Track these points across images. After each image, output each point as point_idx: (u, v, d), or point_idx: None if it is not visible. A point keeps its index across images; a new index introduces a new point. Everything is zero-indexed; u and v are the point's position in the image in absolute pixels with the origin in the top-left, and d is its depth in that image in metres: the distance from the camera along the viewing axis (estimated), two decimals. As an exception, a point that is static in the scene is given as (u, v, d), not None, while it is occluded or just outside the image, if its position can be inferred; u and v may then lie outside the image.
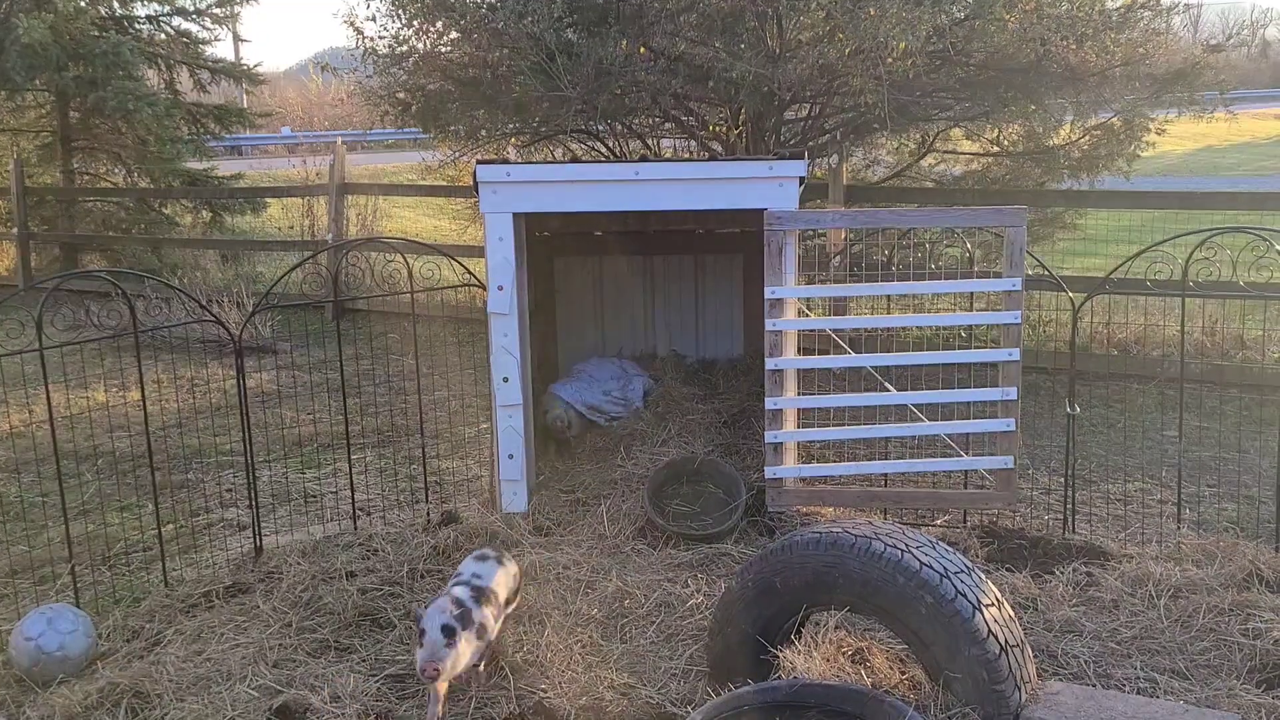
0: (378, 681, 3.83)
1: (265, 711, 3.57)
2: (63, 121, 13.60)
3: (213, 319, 5.17)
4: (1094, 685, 3.60)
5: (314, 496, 5.98)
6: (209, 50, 14.30)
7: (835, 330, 5.62)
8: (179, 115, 13.47)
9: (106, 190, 14.10)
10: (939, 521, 5.29)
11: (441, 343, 7.56)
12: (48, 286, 5.20)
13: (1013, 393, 4.90)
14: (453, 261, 5.97)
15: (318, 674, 3.88)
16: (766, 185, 5.15)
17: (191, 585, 4.72)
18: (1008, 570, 4.59)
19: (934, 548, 3.42)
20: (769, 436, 5.11)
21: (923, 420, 5.17)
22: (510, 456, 5.41)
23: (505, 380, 5.39)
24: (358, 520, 5.38)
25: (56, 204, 13.58)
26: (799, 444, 5.47)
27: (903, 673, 3.57)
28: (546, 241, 7.40)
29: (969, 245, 5.83)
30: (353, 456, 5.58)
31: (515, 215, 5.34)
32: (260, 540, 5.07)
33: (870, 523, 3.62)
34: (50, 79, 12.52)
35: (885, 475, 5.47)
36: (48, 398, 4.50)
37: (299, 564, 4.79)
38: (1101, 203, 8.62)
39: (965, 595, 3.26)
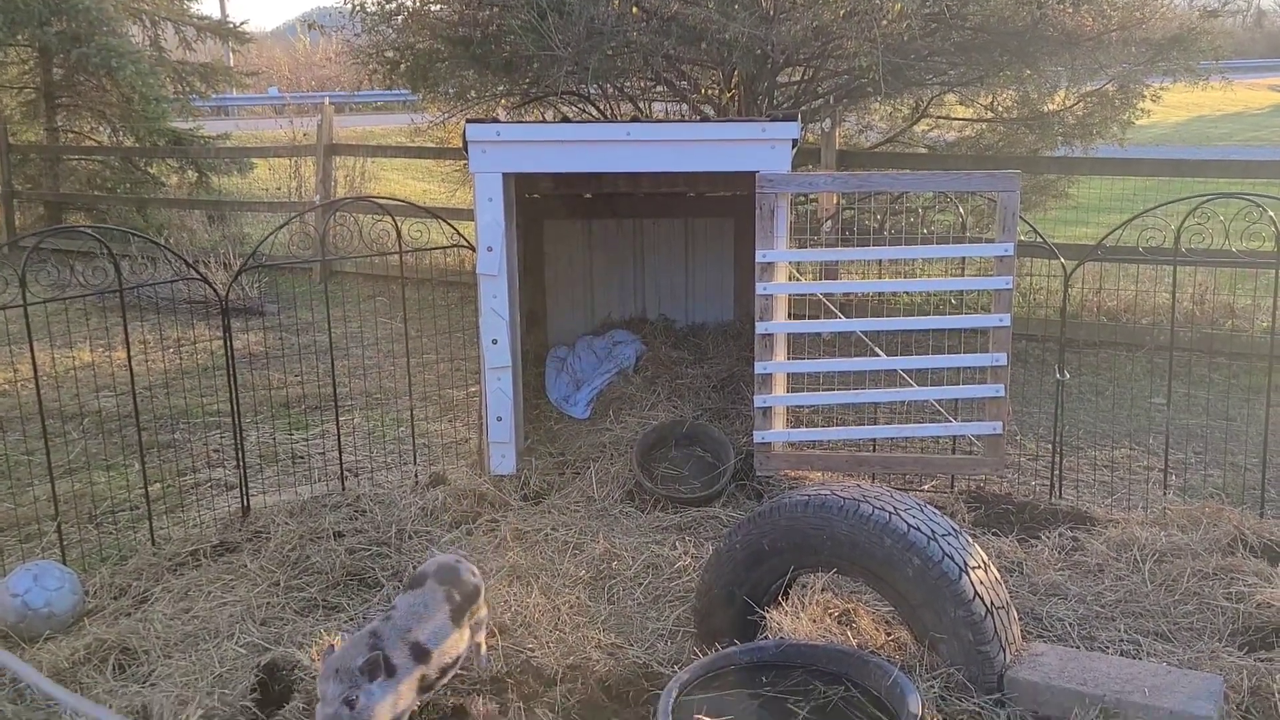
0: (365, 640, 3.83)
1: (253, 669, 3.58)
2: (46, 78, 13.40)
3: (199, 278, 5.12)
4: (1078, 647, 3.63)
5: (301, 458, 5.96)
6: (194, 7, 14.16)
7: (826, 295, 5.60)
8: (164, 73, 13.28)
9: (91, 149, 13.93)
10: (926, 487, 5.31)
11: (430, 306, 7.52)
12: (31, 243, 5.15)
13: (1002, 358, 4.90)
14: (442, 223, 5.92)
15: (305, 632, 3.88)
16: (759, 147, 5.11)
17: (179, 544, 4.71)
18: (994, 535, 4.61)
19: (922, 511, 3.43)
20: (758, 401, 5.10)
21: (912, 386, 5.17)
22: (499, 419, 5.40)
23: (494, 342, 5.36)
24: (345, 481, 5.37)
25: (40, 162, 13.42)
26: (788, 409, 5.47)
27: (889, 634, 3.59)
28: (536, 204, 7.35)
29: (961, 210, 5.80)
30: (340, 418, 5.55)
31: (505, 176, 5.29)
32: (248, 500, 5.06)
33: (859, 485, 3.63)
34: (33, 34, 12.30)
35: (873, 440, 5.48)
36: (32, 354, 4.46)
37: (287, 524, 4.78)
38: (1094, 170, 8.60)
39: (952, 557, 3.27)
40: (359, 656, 3.03)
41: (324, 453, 5.94)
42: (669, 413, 6.06)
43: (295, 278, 10.51)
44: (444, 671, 3.29)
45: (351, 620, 4.01)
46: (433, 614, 3.29)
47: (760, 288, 4.99)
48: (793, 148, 5.17)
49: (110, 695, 3.44)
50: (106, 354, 7.65)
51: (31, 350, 4.45)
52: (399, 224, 5.54)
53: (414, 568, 4.40)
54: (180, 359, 7.79)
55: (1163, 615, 3.87)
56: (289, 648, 3.74)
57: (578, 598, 4.18)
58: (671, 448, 5.61)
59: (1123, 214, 5.15)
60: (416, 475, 5.45)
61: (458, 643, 3.35)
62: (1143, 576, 4.12)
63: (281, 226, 5.81)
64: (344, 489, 5.28)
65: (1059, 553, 4.41)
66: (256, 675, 3.51)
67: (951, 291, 6.77)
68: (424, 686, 3.21)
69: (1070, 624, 3.84)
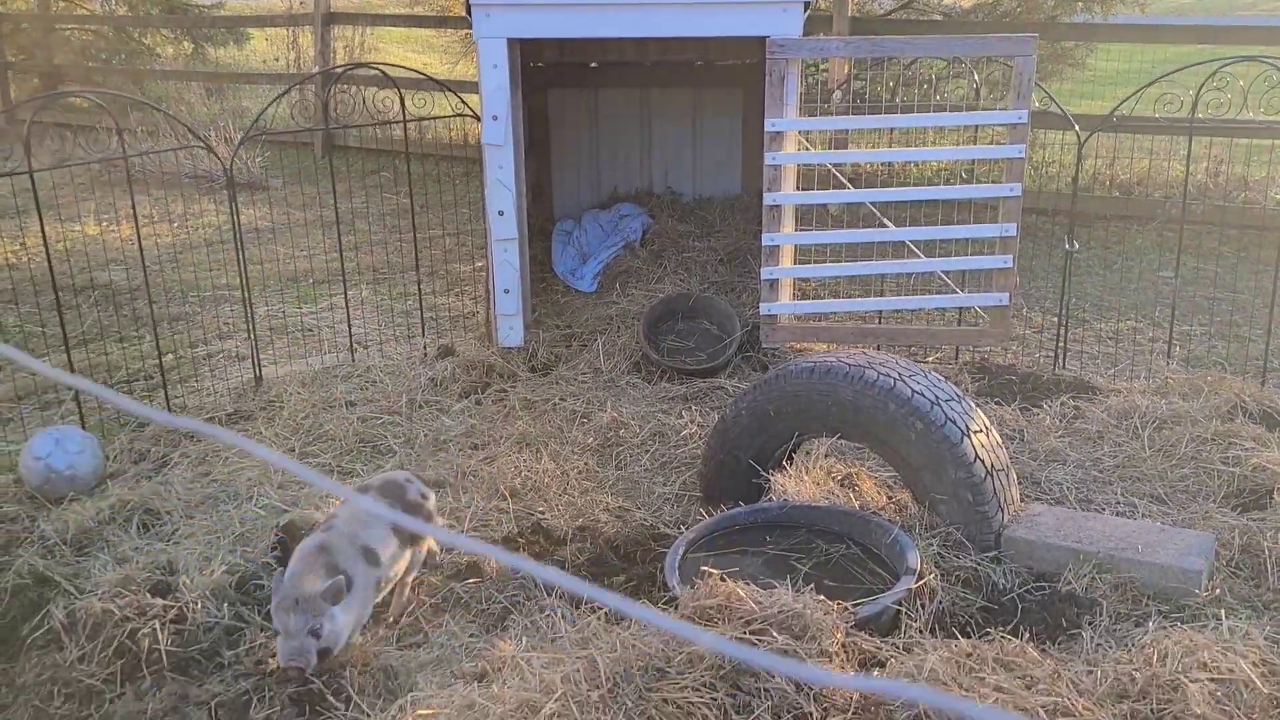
0: (380, 503, 3.93)
1: (273, 529, 3.69)
2: (33, -58, 12.98)
3: (202, 144, 5.07)
4: (1075, 509, 3.72)
5: (310, 330, 6.01)
6: None
7: (835, 166, 5.53)
8: (154, -63, 12.82)
9: (83, 17, 13.56)
10: (931, 359, 5.35)
11: (434, 180, 7.45)
12: (29, 112, 5.07)
13: (1011, 229, 4.87)
14: (446, 93, 5.80)
15: (322, 495, 3.98)
16: (770, 10, 4.97)
17: (194, 412, 4.79)
18: (997, 404, 4.66)
19: (925, 377, 3.47)
20: (765, 273, 5.10)
21: (920, 258, 5.16)
22: (506, 291, 5.41)
23: (500, 214, 5.34)
24: (355, 353, 5.43)
25: (33, 32, 13.08)
26: (794, 281, 5.47)
27: (890, 497, 3.68)
28: (540, 73, 7.20)
29: (976, 78, 5.67)
30: (348, 292, 5.57)
31: (510, 41, 5.17)
32: (260, 370, 5.12)
33: (864, 353, 3.66)
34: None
35: (879, 313, 5.50)
36: (41, 224, 4.44)
37: (299, 393, 4.85)
38: (1113, 36, 8.35)
39: (954, 421, 3.33)
40: (319, 581, 2.90)
41: (333, 325, 5.99)
42: (675, 286, 6.07)
43: (299, 152, 10.37)
44: (389, 583, 3.20)
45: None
46: (376, 522, 3.15)
47: (769, 157, 4.93)
48: (805, 10, 5.03)
49: (137, 552, 3.56)
50: (112, 227, 7.63)
51: (40, 220, 4.44)
52: (402, 94, 5.44)
53: (424, 435, 4.50)
54: (187, 233, 7.77)
55: (1159, 479, 3.95)
56: (306, 509, 3.85)
57: (586, 464, 4.27)
58: (678, 320, 5.64)
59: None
60: (425, 348, 5.50)
61: (401, 556, 3.23)
62: (1142, 442, 4.19)
63: (284, 93, 5.71)
64: (354, 360, 5.34)
65: (1060, 421, 4.47)
66: (276, 535, 3.63)
67: (962, 164, 6.68)
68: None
69: (1068, 488, 3.93)
